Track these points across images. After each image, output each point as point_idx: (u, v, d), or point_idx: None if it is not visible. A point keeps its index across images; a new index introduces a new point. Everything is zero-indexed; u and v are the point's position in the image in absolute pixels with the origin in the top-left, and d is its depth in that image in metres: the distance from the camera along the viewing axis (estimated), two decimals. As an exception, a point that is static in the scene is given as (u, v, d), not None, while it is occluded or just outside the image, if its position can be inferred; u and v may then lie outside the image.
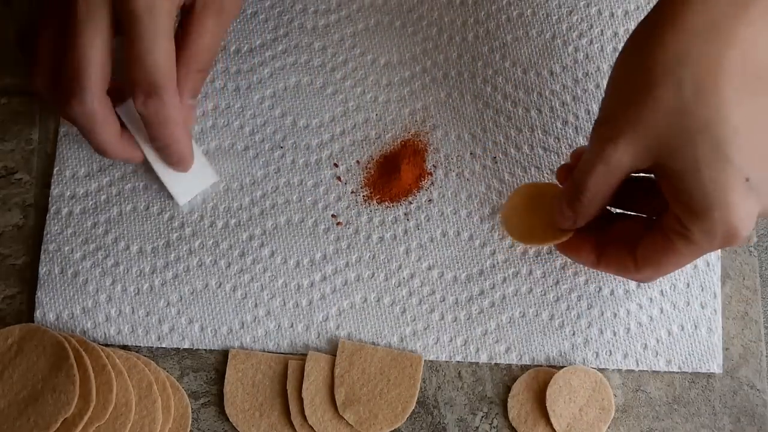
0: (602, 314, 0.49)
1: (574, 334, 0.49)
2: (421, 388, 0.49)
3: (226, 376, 0.49)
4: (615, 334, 0.49)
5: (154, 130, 0.45)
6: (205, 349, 0.50)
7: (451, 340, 0.49)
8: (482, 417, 0.49)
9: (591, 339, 0.49)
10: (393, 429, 0.48)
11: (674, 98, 0.38)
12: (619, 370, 0.49)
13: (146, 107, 0.43)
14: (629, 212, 0.47)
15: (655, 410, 0.49)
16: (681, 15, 0.38)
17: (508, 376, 0.49)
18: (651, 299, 0.49)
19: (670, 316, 0.49)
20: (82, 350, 0.48)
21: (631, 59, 0.41)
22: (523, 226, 0.49)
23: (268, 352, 0.50)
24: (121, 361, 0.49)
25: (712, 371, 0.49)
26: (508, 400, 0.49)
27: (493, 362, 0.49)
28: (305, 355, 0.49)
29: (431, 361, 0.49)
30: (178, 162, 0.48)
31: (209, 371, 0.50)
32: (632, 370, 0.49)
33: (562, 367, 0.49)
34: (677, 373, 0.49)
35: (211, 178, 0.51)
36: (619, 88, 0.41)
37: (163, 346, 0.50)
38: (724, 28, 0.38)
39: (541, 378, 0.49)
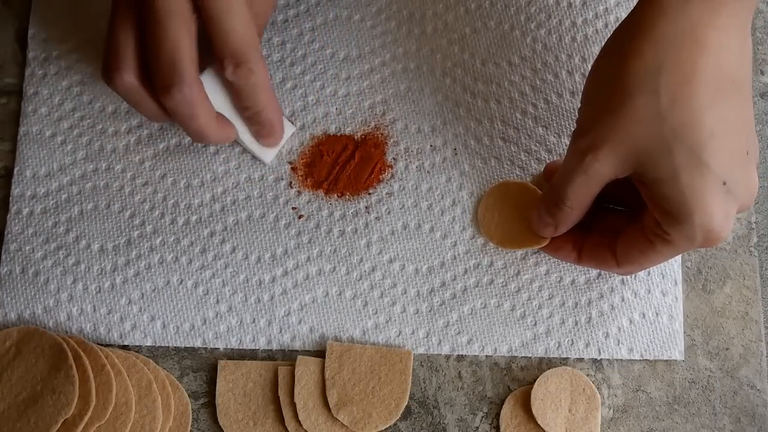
0: (563, 304, 0.49)
1: (535, 324, 0.49)
2: (421, 388, 0.49)
3: (217, 387, 0.49)
4: (576, 324, 0.49)
5: (246, 98, 0.45)
6: (204, 348, 0.50)
7: (413, 333, 0.49)
8: (482, 417, 0.49)
9: (552, 329, 0.49)
10: (388, 426, 0.48)
11: (651, 107, 0.38)
12: (619, 370, 0.49)
13: (237, 76, 0.44)
14: (610, 206, 0.47)
15: (655, 410, 0.49)
16: (655, 24, 0.39)
17: (509, 376, 0.49)
18: (612, 288, 0.49)
19: (632, 305, 0.49)
20: (80, 351, 0.48)
21: (606, 69, 0.41)
22: (502, 230, 0.49)
23: (230, 348, 0.50)
24: (120, 360, 0.48)
25: (673, 358, 0.49)
26: (500, 426, 0.48)
27: (455, 354, 0.49)
28: (293, 359, 0.49)
29: (431, 361, 0.49)
30: (269, 132, 0.48)
31: (209, 371, 0.50)
32: (631, 369, 0.49)
33: (531, 365, 0.49)
34: (677, 372, 0.49)
35: (289, 130, 0.51)
36: (596, 98, 0.41)
37: (126, 344, 0.50)
38: (698, 35, 0.38)
39: (523, 397, 0.48)
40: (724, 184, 0.39)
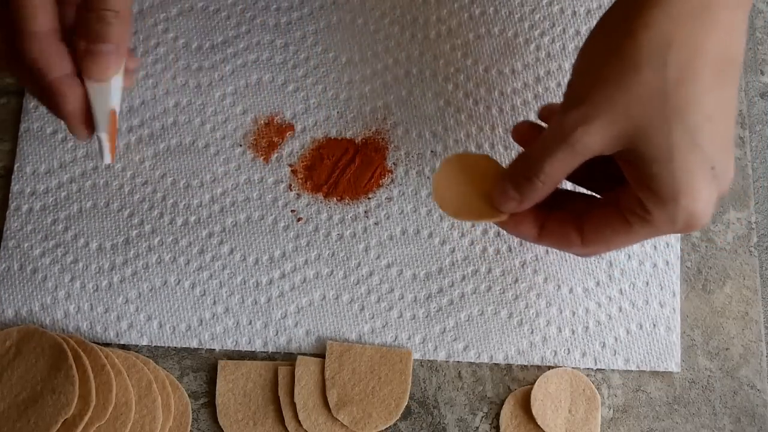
0: (561, 312, 0.49)
1: (532, 332, 0.49)
2: (421, 388, 0.49)
3: (217, 387, 0.49)
4: (573, 333, 0.49)
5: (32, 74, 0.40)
6: (204, 349, 0.50)
7: (409, 338, 0.49)
8: (482, 417, 0.49)
9: (549, 337, 0.49)
10: (388, 426, 0.48)
11: (657, 82, 0.37)
12: (620, 371, 0.49)
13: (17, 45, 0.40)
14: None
15: (655, 410, 0.48)
16: None
17: (509, 376, 0.49)
18: (610, 298, 0.49)
19: (629, 315, 0.49)
20: (80, 351, 0.48)
21: (608, 40, 0.39)
22: (458, 200, 0.45)
23: (231, 351, 0.50)
24: (120, 360, 0.49)
25: (669, 370, 0.49)
26: (500, 426, 0.48)
27: (452, 360, 0.49)
28: (293, 360, 0.49)
29: (431, 361, 0.49)
30: (102, 62, 0.41)
31: (209, 371, 0.50)
32: (631, 371, 0.49)
33: (532, 366, 0.49)
34: (677, 373, 0.49)
35: (105, 158, 0.43)
36: (595, 68, 0.39)
37: (122, 342, 0.50)
38: (710, 12, 0.37)
39: (523, 397, 0.48)
40: (713, 168, 0.38)
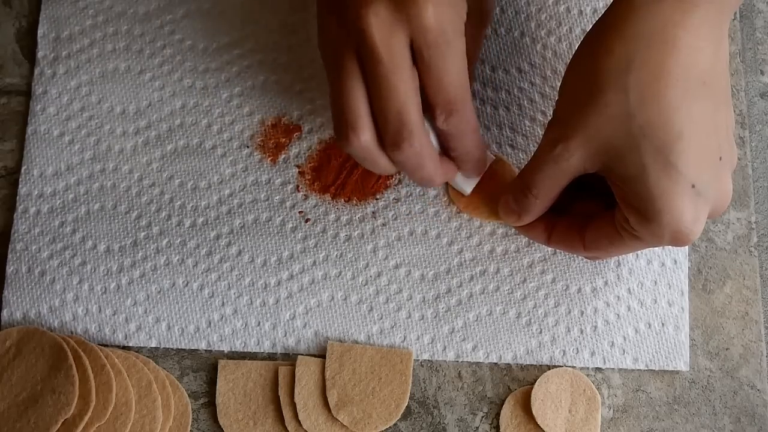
0: (569, 312, 0.49)
1: (541, 332, 0.49)
2: (421, 388, 0.49)
3: (217, 387, 0.49)
4: (582, 332, 0.49)
5: (455, 141, 0.44)
6: (204, 349, 0.50)
7: (418, 339, 0.49)
8: (482, 417, 0.49)
9: (558, 337, 0.49)
10: (388, 426, 0.48)
11: (621, 104, 0.38)
12: (619, 371, 0.49)
13: (448, 124, 0.43)
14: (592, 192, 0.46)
15: (655, 410, 0.49)
16: (626, 22, 0.39)
17: (509, 376, 0.49)
18: (618, 297, 0.49)
19: (638, 314, 0.49)
20: (80, 351, 0.48)
21: (580, 64, 0.41)
22: (472, 198, 0.49)
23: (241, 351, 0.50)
24: (120, 360, 0.49)
25: (678, 369, 0.49)
26: (500, 426, 0.48)
27: (460, 360, 0.49)
28: (294, 360, 0.49)
29: (431, 361, 0.49)
30: (474, 167, 0.47)
31: (209, 371, 0.50)
32: (632, 370, 0.49)
33: (532, 366, 0.49)
34: (677, 372, 0.49)
35: (489, 159, 0.49)
36: (571, 91, 0.42)
37: (131, 345, 0.50)
38: (667, 35, 0.38)
39: (523, 397, 0.49)
40: (693, 186, 0.39)
